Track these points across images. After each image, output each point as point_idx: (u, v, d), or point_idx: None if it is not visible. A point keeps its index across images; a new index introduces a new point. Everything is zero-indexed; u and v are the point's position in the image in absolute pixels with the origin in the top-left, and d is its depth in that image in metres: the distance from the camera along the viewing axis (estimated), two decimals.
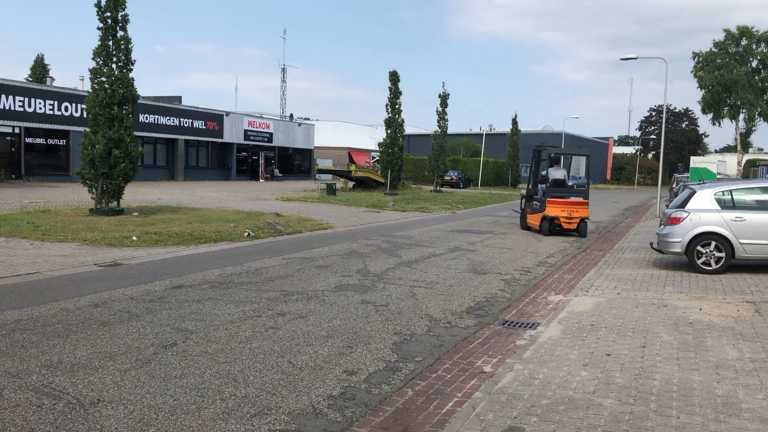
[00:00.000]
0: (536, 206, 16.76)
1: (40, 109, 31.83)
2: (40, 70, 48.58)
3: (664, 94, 23.69)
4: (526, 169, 68.92)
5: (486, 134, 60.62)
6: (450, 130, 42.38)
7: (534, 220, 16.84)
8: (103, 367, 4.96)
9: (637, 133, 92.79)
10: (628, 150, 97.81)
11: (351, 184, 37.88)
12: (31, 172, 31.80)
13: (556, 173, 16.67)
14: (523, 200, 18.17)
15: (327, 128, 71.67)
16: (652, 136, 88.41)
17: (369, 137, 74.35)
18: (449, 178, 48.67)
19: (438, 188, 40.60)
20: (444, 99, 39.86)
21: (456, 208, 25.96)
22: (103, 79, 16.23)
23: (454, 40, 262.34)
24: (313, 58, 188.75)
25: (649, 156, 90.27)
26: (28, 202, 19.42)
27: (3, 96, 30.19)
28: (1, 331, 5.86)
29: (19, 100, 30.92)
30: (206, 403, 4.35)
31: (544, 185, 16.71)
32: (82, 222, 14.45)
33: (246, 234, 13.61)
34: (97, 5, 16.31)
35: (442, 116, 40.05)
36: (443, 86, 40.31)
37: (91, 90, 16.41)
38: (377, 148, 45.48)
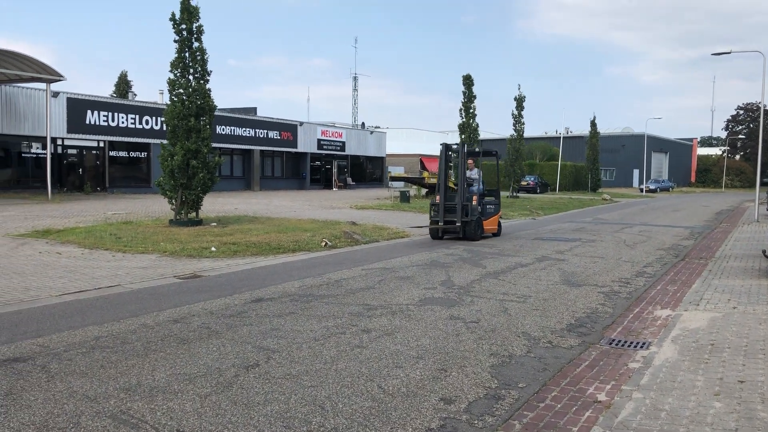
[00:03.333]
0: (491, 210, 15.75)
1: (123, 123, 32.85)
2: (123, 86, 50.42)
3: (762, 89, 22.13)
4: (606, 172, 66.89)
5: (563, 137, 58.91)
6: (525, 134, 41.30)
7: (493, 223, 15.89)
8: (182, 392, 4.63)
9: (723, 134, 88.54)
10: (713, 151, 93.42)
11: (424, 191, 37.38)
12: (114, 184, 32.83)
13: (473, 175, 15.91)
14: (432, 207, 15.47)
15: (398, 136, 71.44)
16: (741, 136, 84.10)
17: (440, 143, 73.76)
18: (526, 183, 47.52)
19: (515, 194, 39.59)
20: (520, 102, 38.89)
21: (536, 214, 25.06)
22: (181, 90, 16.37)
23: (523, 43, 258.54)
24: (381, 66, 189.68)
25: (737, 157, 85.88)
26: (112, 213, 19.84)
27: (89, 111, 31.32)
28: (81, 349, 5.65)
29: (104, 115, 32.00)
30: None
31: (476, 186, 15.61)
32: (162, 233, 14.53)
33: (324, 243, 13.32)
34: (172, 18, 16.49)
35: (518, 119, 39.09)
36: (519, 89, 39.39)
37: (169, 102, 16.59)
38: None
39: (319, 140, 46.41)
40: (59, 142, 30.25)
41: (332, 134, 48.21)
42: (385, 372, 5.19)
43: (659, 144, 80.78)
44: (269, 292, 8.47)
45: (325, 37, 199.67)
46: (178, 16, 16.42)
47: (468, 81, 34.66)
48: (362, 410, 4.38)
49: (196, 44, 16.55)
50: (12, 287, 8.40)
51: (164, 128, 17.97)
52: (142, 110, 34.07)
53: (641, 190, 59.91)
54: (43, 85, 27.39)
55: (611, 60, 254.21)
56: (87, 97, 31.52)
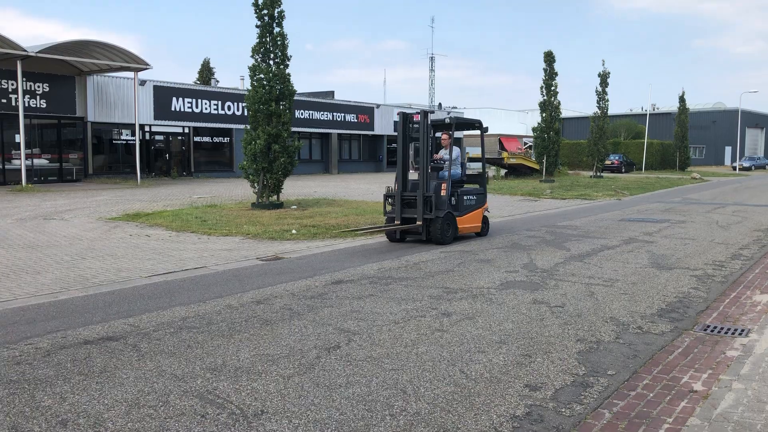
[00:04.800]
0: (471, 202, 11.84)
1: (206, 109, 33.77)
2: (206, 72, 51.86)
3: None
4: (695, 150, 63.78)
5: (650, 114, 56.55)
6: (609, 112, 39.85)
7: (474, 220, 11.94)
8: (266, 372, 4.68)
9: None
10: None
11: (503, 171, 36.79)
12: (199, 169, 33.88)
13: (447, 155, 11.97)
14: (387, 199, 11.80)
15: (475, 115, 70.47)
16: None
17: (520, 123, 72.27)
18: (610, 162, 45.99)
19: (598, 173, 38.37)
20: (604, 78, 37.57)
21: (621, 195, 24.21)
22: (261, 75, 16.62)
23: (604, 18, 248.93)
24: (458, 46, 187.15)
25: None
26: (197, 197, 20.47)
27: (174, 99, 32.36)
28: (169, 329, 5.83)
29: (188, 102, 32.99)
30: (375, 420, 3.90)
31: (453, 170, 11.63)
32: (245, 216, 14.86)
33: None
34: (255, 4, 16.73)
35: (602, 96, 37.79)
36: (603, 64, 38.05)
37: (250, 87, 16.88)
38: (530, 134, 43.87)
39: (395, 122, 46.34)
40: (147, 128, 31.41)
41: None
42: (467, 357, 5.09)
43: (754, 119, 76.33)
44: (348, 274, 8.50)
45: (401, 18, 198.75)
46: (260, 1, 16.64)
47: (549, 58, 33.71)
48: (444, 395, 4.30)
49: (276, 29, 16.75)
50: (105, 268, 8.77)
51: (246, 113, 18.36)
52: (225, 96, 34.93)
53: (734, 168, 56.89)
54: (131, 74, 28.47)
55: (699, 33, 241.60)
56: (172, 85, 32.57)
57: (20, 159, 24.15)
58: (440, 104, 65.06)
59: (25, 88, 24.98)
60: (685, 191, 27.67)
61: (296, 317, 6.26)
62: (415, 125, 11.33)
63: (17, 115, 23.83)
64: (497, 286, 7.71)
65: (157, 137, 32.56)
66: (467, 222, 11.70)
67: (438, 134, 12.56)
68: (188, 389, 4.35)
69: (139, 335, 5.63)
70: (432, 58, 79.27)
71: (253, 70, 16.75)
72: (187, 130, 33.41)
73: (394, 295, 7.24)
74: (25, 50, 23.21)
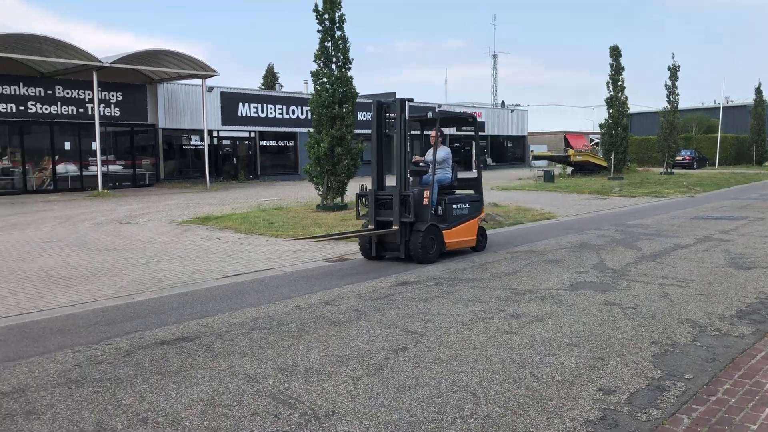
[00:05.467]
0: (463, 211, 10.00)
1: (271, 113, 34.45)
2: (270, 78, 52.87)
3: None
4: None
5: (723, 107, 54.38)
6: (679, 106, 38.52)
7: (466, 233, 10.06)
8: (335, 373, 4.73)
9: None
10: None
11: (569, 169, 36.07)
12: (265, 172, 34.58)
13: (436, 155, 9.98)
14: (360, 199, 10.12)
15: (540, 113, 69.41)
16: None
17: (586, 119, 70.71)
18: (681, 158, 44.44)
19: (669, 170, 37.15)
20: (674, 71, 36.34)
21: (694, 191, 23.37)
22: (324, 79, 16.83)
23: (672, 9, 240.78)
24: (520, 43, 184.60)
25: None
26: (264, 200, 20.89)
27: (241, 104, 33.16)
28: (241, 330, 5.96)
29: (254, 107, 33.74)
30: (445, 422, 3.89)
31: (440, 174, 9.95)
32: (310, 218, 15.07)
33: None
34: (315, 9, 16.96)
35: (672, 90, 36.56)
36: (672, 57, 36.82)
37: (313, 91, 17.12)
38: (596, 130, 42.88)
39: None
40: (215, 134, 32.26)
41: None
42: (538, 359, 5.01)
43: None
44: (414, 275, 8.50)
45: (462, 17, 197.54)
46: (321, 6, 16.87)
47: (615, 53, 32.86)
48: (515, 398, 4.25)
49: (338, 33, 16.94)
50: (179, 270, 9.04)
51: (309, 117, 18.63)
52: (288, 100, 35.52)
53: None
54: (199, 82, 29.30)
55: None
56: (238, 91, 33.37)
57: (96, 165, 25.22)
58: (503, 102, 64.32)
59: (100, 97, 26.03)
60: (763, 187, 26.47)
61: (363, 318, 6.30)
62: (391, 118, 9.66)
63: (93, 124, 24.89)
64: (567, 287, 7.56)
65: (225, 142, 33.39)
66: (457, 235, 9.82)
67: (428, 132, 10.85)
68: (261, 389, 4.44)
69: (212, 336, 5.78)
70: (494, 56, 78.61)
71: (316, 74, 16.97)
72: (253, 135, 34.15)
73: (461, 296, 7.20)
74: (101, 61, 24.21)
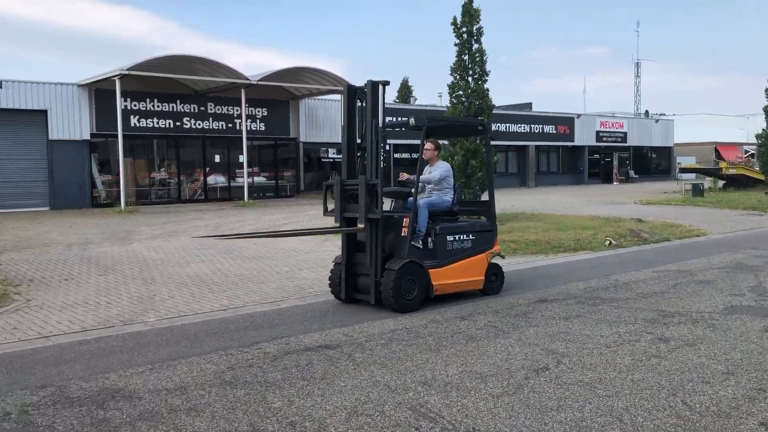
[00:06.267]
0: (465, 244, 7.93)
1: None
2: (405, 91, 53.73)
3: None
4: None
5: None
6: None
7: (468, 272, 7.95)
8: (475, 390, 4.72)
9: None
10: None
11: (721, 183, 33.70)
12: (398, 184, 35.08)
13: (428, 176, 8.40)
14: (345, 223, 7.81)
15: (688, 123, 65.38)
16: None
17: (739, 129, 65.74)
18: None
19: None
20: None
21: None
22: (460, 92, 16.89)
23: None
24: (666, 49, 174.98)
25: None
26: None
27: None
28: (380, 340, 6.10)
29: (389, 120, 34.37)
30: None
31: (432, 197, 8.21)
32: None
33: (607, 242, 12.69)
34: (453, 23, 17.05)
35: None
36: None
37: (449, 104, 17.22)
38: (752, 141, 39.79)
39: (597, 132, 44.47)
40: (325, 151, 33.32)
41: (612, 125, 45.85)
42: (690, 387, 4.72)
43: None
44: (553, 292, 8.30)
45: (602, 23, 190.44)
46: (459, 19, 16.97)
47: None
48: (666, 427, 4.03)
49: (475, 46, 16.95)
50: (319, 279, 9.39)
51: None
52: (422, 113, 35.91)
53: None
54: (338, 96, 30.33)
55: None
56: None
57: (243, 177, 26.80)
58: (647, 111, 61.31)
59: (247, 113, 27.64)
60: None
61: (501, 335, 6.24)
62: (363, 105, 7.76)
63: (241, 138, 26.50)
64: (720, 311, 7.07)
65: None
66: (454, 275, 7.75)
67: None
68: (401, 401, 4.52)
69: (353, 345, 5.96)
70: (637, 63, 74.90)
71: (452, 87, 17.06)
72: (388, 147, 34.82)
73: (604, 316, 6.94)
74: (248, 79, 25.74)
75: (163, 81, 25.44)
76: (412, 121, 8.11)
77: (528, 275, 9.67)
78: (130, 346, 6.11)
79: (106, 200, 25.61)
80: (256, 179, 29.54)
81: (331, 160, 33.03)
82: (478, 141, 16.74)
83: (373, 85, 7.67)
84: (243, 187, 26.55)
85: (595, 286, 8.63)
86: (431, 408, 4.38)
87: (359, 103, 7.83)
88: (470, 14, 16.85)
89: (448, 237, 7.83)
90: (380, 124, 7.62)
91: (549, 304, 7.61)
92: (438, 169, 8.27)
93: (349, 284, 7.76)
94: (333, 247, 12.96)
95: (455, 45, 17.06)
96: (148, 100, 26.21)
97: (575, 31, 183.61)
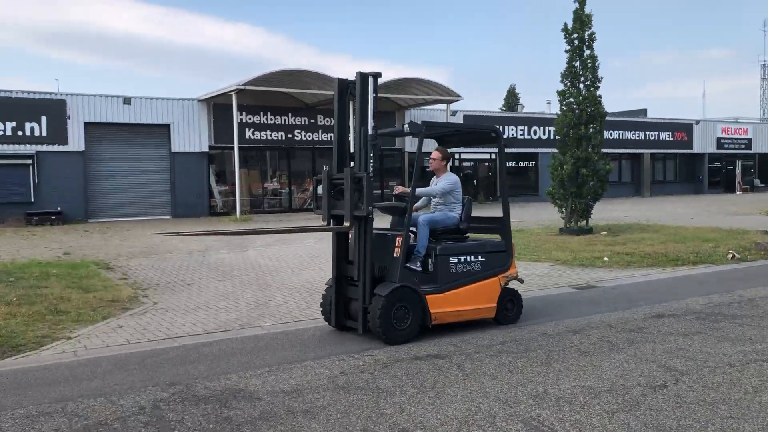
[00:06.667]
0: (473, 266, 6.98)
1: (512, 134, 34.55)
2: (512, 99, 53.08)
3: None
4: None
5: None
6: None
7: (476, 298, 6.98)
8: (588, 405, 4.62)
9: None
10: None
11: None
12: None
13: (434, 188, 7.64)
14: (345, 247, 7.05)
15: None
16: None
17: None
18: None
19: None
20: None
21: None
22: (571, 99, 16.53)
23: None
24: None
25: None
26: None
27: None
28: (489, 352, 6.08)
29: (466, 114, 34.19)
30: None
31: (436, 213, 7.42)
32: (553, 241, 14.80)
33: (730, 256, 12.00)
34: (564, 29, 16.73)
35: None
36: None
37: (559, 112, 16.89)
38: None
39: (718, 139, 42.06)
40: (456, 156, 33.23)
41: (735, 131, 43.22)
42: None
43: None
44: (670, 307, 7.95)
45: (723, 23, 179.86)
46: (570, 25, 16.64)
47: None
48: None
49: (587, 52, 16.56)
50: None
51: (551, 138, 18.40)
52: (530, 121, 35.34)
53: None
54: (443, 106, 30.43)
55: None
56: (480, 113, 34.03)
57: None
58: None
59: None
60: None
61: (615, 350, 6.06)
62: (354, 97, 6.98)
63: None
64: None
65: (466, 164, 34.18)
66: (458, 302, 6.83)
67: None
68: (512, 413, 4.50)
69: (462, 355, 5.97)
70: (764, 65, 70.08)
71: (562, 94, 16.72)
72: (493, 156, 34.52)
73: (727, 334, 6.58)
74: None
75: (276, 95, 26.50)
76: (406, 128, 7.19)
77: (643, 289, 9.31)
78: (249, 348, 6.42)
79: (223, 209, 26.96)
80: None
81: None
82: (590, 150, 16.32)
83: (362, 78, 6.84)
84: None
85: (716, 302, 8.19)
86: (543, 421, 4.34)
87: (352, 99, 6.99)
88: (581, 20, 16.49)
89: (450, 258, 6.87)
90: (369, 131, 6.79)
91: (666, 319, 7.31)
92: (443, 181, 7.43)
93: (340, 309, 6.89)
94: None
95: (566, 51, 16.75)
96: (261, 113, 27.39)
97: (693, 32, 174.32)
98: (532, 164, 35.64)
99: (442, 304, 6.72)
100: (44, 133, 23.60)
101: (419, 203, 7.55)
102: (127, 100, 24.88)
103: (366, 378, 5.33)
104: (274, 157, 29.00)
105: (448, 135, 8.39)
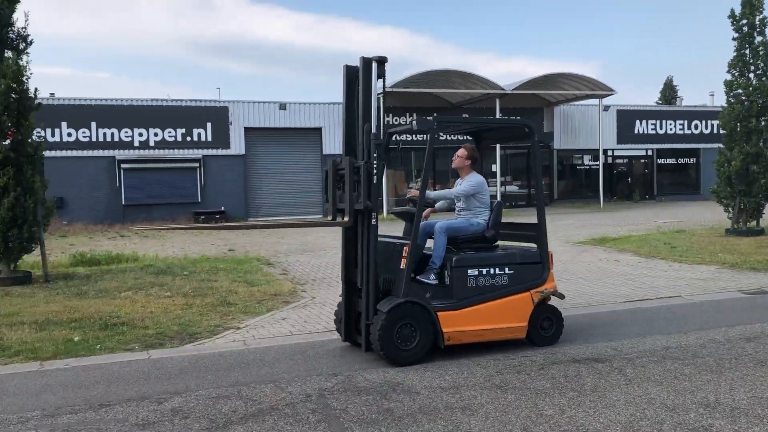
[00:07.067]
0: (494, 279, 6.07)
1: (670, 129, 32.63)
2: (669, 91, 50.01)
3: None
4: None
5: None
6: None
7: (502, 316, 6.07)
8: (767, 417, 4.30)
9: None
10: None
11: None
12: (662, 192, 32.85)
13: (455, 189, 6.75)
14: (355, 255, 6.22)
15: None
16: None
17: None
18: None
19: None
20: None
21: None
22: (740, 90, 15.35)
23: None
24: None
25: None
26: (662, 222, 19.85)
27: (638, 121, 32.19)
28: (652, 357, 5.82)
29: (651, 124, 32.41)
30: None
31: (451, 222, 6.43)
32: (719, 243, 13.81)
33: None
34: (731, 15, 15.57)
35: None
36: None
37: (725, 104, 15.73)
38: None
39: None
40: (609, 153, 31.87)
41: None
42: None
43: None
44: None
45: None
46: (738, 11, 15.46)
47: None
48: None
49: (758, 39, 15.29)
50: (581, 291, 9.20)
51: (715, 132, 17.17)
52: (690, 115, 33.16)
53: None
54: (595, 101, 29.30)
55: None
56: (635, 108, 32.42)
57: (496, 186, 27.14)
58: None
59: None
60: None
61: None
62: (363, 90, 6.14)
63: (494, 147, 26.89)
64: None
65: (619, 161, 32.72)
66: (477, 320, 6.02)
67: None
68: (681, 421, 4.28)
69: (623, 360, 5.76)
70: None
71: (729, 85, 15.55)
72: (650, 153, 32.79)
73: None
74: (503, 89, 26.05)
75: (420, 96, 26.83)
76: (414, 124, 6.29)
77: None
78: None
79: None
80: (509, 188, 29.72)
81: (587, 167, 32.02)
82: (761, 144, 15.06)
83: (365, 64, 6.06)
84: (496, 195, 26.90)
85: None
86: (714, 431, 4.10)
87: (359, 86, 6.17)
88: (751, 4, 15.24)
89: (469, 271, 6.04)
90: (373, 129, 5.98)
91: None
92: (466, 182, 6.60)
93: (351, 321, 6.31)
94: (592, 257, 12.56)
95: (733, 39, 15.57)
96: (407, 114, 27.83)
97: None
98: (692, 161, 33.42)
99: (457, 323, 5.93)
100: (209, 138, 25.55)
101: (438, 206, 6.90)
102: (282, 106, 26.31)
103: (523, 378, 5.30)
104: (419, 157, 29.36)
105: (478, 131, 7.55)
